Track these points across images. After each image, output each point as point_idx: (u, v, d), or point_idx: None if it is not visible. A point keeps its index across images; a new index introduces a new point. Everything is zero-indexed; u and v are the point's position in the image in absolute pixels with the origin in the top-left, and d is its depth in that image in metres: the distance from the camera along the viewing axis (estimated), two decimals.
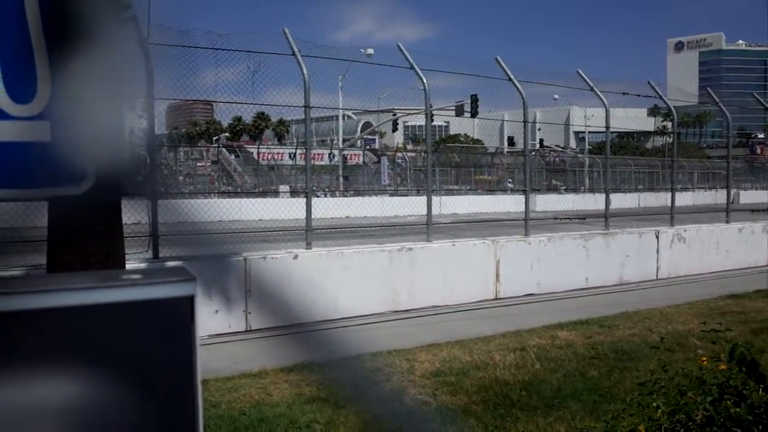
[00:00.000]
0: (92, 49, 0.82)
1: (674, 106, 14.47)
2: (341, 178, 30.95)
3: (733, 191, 15.03)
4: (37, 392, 0.62)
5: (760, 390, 2.77)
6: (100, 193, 0.85)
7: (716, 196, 24.81)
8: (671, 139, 16.02)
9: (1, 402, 0.61)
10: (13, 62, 0.78)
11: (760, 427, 2.62)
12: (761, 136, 77.92)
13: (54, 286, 0.66)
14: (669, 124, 28.06)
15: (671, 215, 13.15)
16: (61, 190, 0.82)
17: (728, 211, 14.24)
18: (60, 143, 0.80)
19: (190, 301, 0.69)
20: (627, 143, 68.65)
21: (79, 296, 0.65)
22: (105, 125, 0.84)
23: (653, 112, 68.02)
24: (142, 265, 6.47)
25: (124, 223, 4.44)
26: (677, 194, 14.05)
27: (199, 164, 30.95)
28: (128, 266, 4.63)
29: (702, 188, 35.84)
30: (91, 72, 0.82)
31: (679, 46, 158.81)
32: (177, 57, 7.72)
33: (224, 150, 32.56)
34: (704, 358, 3.31)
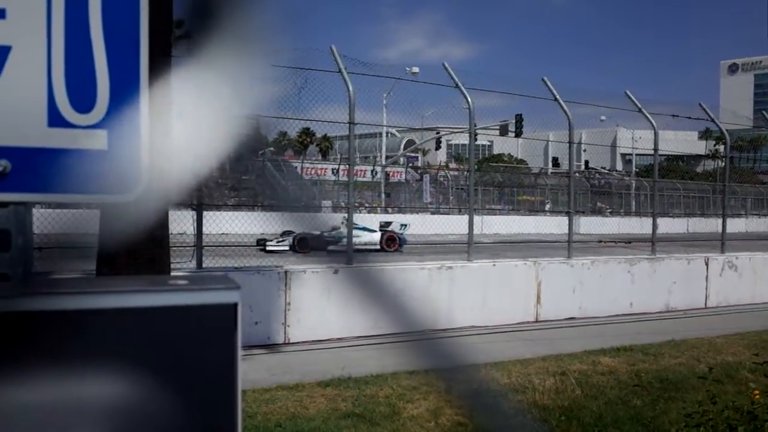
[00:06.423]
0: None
1: (727, 130, 14.03)
2: (383, 195, 31.07)
3: None
4: (83, 389, 0.64)
5: None
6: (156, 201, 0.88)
7: None
8: (723, 164, 15.49)
9: (48, 398, 0.63)
10: (77, 70, 0.81)
11: None
12: None
13: (103, 288, 0.68)
14: (721, 148, 27.21)
15: (722, 242, 12.69)
16: (114, 198, 0.84)
17: None
18: (116, 152, 0.83)
19: (233, 308, 0.71)
20: (676, 167, 66.80)
21: (127, 299, 0.67)
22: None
23: (704, 135, 65.89)
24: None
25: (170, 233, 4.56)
26: (729, 220, 13.57)
27: (243, 177, 31.56)
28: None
29: (756, 215, 34.53)
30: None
31: (733, 68, 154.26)
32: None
33: (268, 164, 33.11)
34: (756, 392, 3.18)
